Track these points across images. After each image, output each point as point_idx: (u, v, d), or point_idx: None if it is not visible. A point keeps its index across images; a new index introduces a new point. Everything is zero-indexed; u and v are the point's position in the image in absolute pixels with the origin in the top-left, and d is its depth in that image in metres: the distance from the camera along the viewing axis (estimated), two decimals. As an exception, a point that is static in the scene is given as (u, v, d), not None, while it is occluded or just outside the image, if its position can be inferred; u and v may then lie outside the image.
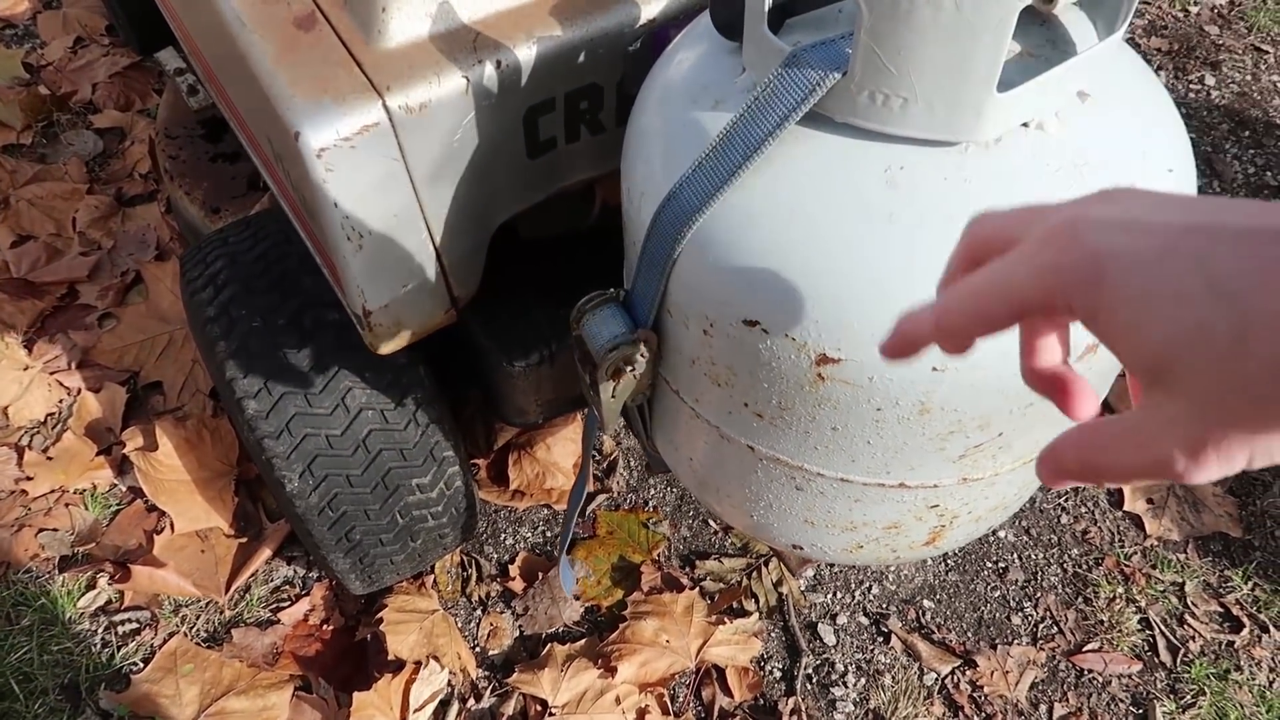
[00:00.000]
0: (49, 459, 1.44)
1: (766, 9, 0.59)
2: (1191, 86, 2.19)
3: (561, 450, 1.43)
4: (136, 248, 1.76)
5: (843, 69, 0.56)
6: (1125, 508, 1.45)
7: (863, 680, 1.28)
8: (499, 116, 0.81)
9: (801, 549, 0.81)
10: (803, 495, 0.73)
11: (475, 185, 0.84)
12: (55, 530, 1.38)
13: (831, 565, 1.37)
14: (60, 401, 1.52)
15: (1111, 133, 0.61)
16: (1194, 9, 2.40)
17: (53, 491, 1.41)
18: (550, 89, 0.83)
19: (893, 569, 1.37)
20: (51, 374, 1.55)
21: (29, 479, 1.42)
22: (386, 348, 0.90)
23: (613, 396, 0.74)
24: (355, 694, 1.16)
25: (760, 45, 0.61)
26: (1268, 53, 2.28)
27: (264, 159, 0.93)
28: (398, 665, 1.21)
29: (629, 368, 0.72)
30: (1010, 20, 0.50)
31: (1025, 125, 0.59)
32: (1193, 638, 1.32)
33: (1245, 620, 1.33)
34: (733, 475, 0.77)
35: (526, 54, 0.79)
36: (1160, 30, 2.34)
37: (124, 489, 1.43)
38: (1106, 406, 1.55)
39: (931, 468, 0.67)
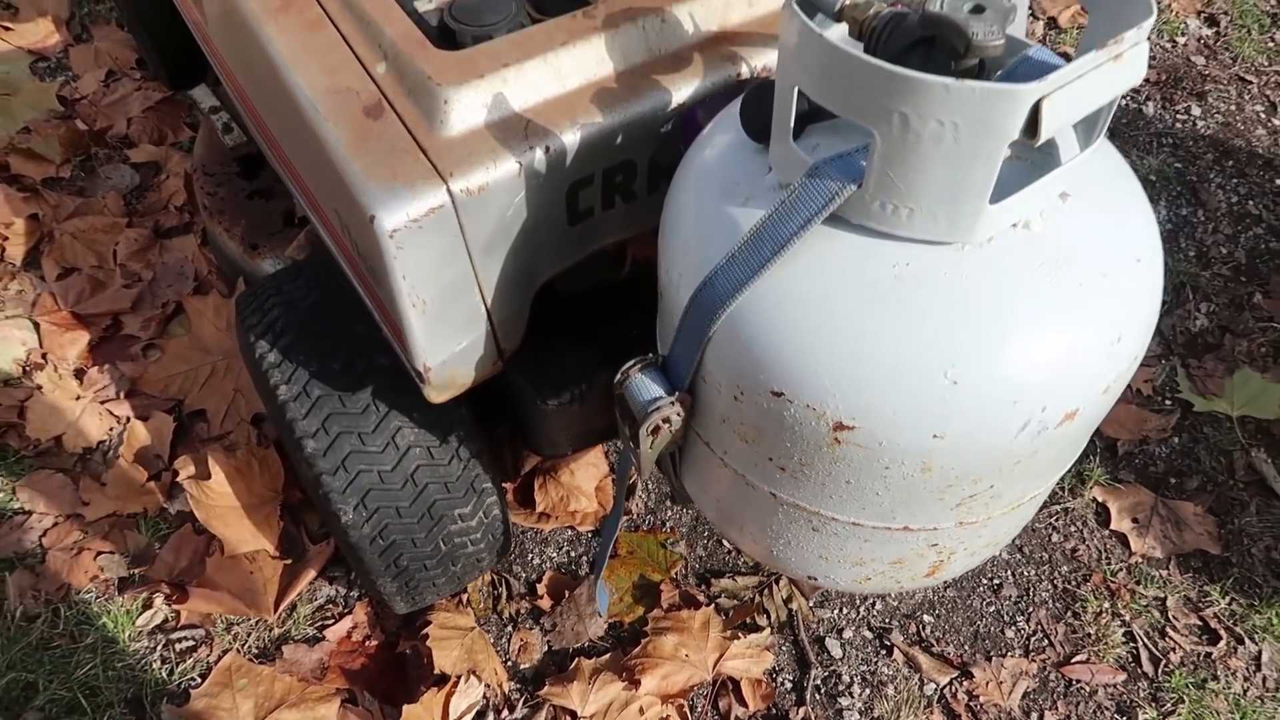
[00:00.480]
0: (103, 485, 1.54)
1: (791, 126, 0.69)
2: (1178, 116, 2.29)
3: (584, 475, 1.52)
4: (175, 279, 1.85)
5: (858, 181, 0.66)
6: (1112, 527, 1.55)
7: (867, 690, 1.38)
8: (545, 193, 0.91)
9: (815, 579, 0.91)
10: (818, 535, 0.83)
11: (522, 252, 0.94)
12: (112, 553, 1.47)
13: (838, 583, 1.47)
14: (111, 430, 1.62)
15: (1088, 228, 0.71)
16: (1181, 40, 2.49)
17: (108, 516, 1.50)
18: (590, 167, 0.93)
19: (895, 586, 1.47)
20: (102, 403, 1.64)
21: (85, 504, 1.51)
22: (441, 397, 0.99)
23: (650, 448, 0.84)
24: (405, 707, 1.25)
25: (786, 154, 0.70)
26: (1251, 82, 2.37)
27: (327, 225, 1.02)
28: (440, 678, 1.31)
29: (666, 424, 0.81)
30: (1000, 152, 0.60)
31: (1014, 225, 0.69)
32: (1173, 649, 1.42)
33: (1222, 633, 1.43)
34: (755, 516, 0.87)
35: (571, 138, 0.89)
36: (1149, 61, 2.43)
37: (173, 513, 1.52)
38: (1099, 434, 1.65)
39: (932, 514, 0.77)
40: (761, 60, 0.97)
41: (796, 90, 0.66)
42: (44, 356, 1.71)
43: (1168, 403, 1.72)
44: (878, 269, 0.67)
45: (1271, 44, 2.47)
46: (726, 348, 0.73)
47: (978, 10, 0.64)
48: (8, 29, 2.42)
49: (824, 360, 0.68)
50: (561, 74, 0.91)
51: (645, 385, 0.80)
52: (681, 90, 0.93)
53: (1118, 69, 0.60)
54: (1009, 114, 0.58)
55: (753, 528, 0.90)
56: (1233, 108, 2.31)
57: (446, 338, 0.94)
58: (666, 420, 0.81)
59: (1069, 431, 0.71)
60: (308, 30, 0.95)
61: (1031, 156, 0.73)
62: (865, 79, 0.59)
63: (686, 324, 0.75)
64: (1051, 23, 2.52)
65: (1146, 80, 2.37)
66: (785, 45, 0.65)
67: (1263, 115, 2.29)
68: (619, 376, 0.82)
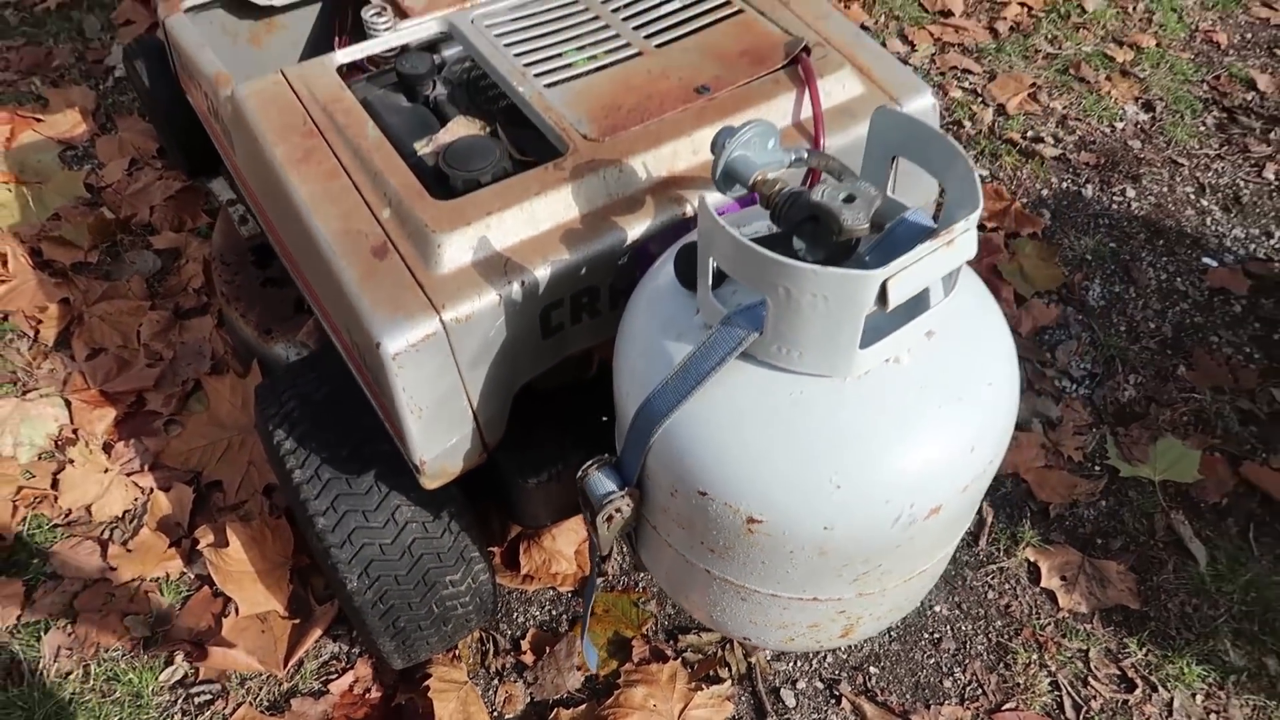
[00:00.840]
0: (129, 551, 1.70)
1: (710, 282, 0.87)
2: (1114, 198, 2.48)
3: (565, 540, 1.69)
4: (194, 358, 2.02)
5: (760, 329, 0.84)
6: (1042, 584, 1.71)
7: (818, 736, 1.53)
8: (522, 316, 1.09)
9: (750, 640, 1.07)
10: (746, 604, 1.00)
11: (502, 364, 1.12)
12: (138, 614, 1.63)
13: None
14: (136, 500, 1.78)
15: (948, 360, 0.89)
16: (1120, 125, 2.69)
17: (134, 580, 1.66)
18: (560, 293, 1.11)
19: (844, 640, 1.63)
20: (128, 475, 1.81)
21: (113, 569, 1.67)
22: (434, 485, 1.17)
23: (608, 531, 1.01)
24: (400, 754, 1.40)
25: (707, 303, 0.89)
26: (1183, 165, 2.57)
27: (338, 335, 1.21)
28: (432, 728, 1.46)
29: (619, 513, 0.98)
30: (860, 318, 0.78)
31: (887, 360, 0.87)
32: (1094, 697, 1.57)
33: (1139, 681, 1.59)
34: (696, 587, 1.03)
35: (543, 272, 1.08)
36: (1089, 145, 2.63)
37: (192, 576, 1.68)
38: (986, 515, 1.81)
39: (835, 587, 0.94)
40: (711, 198, 1.16)
41: (712, 259, 0.85)
42: (75, 432, 1.88)
43: (1097, 468, 1.89)
44: (778, 396, 0.85)
45: (1203, 128, 2.68)
46: (663, 454, 0.91)
47: (850, 199, 0.83)
48: (39, 120, 2.64)
49: (737, 468, 0.86)
50: (535, 219, 1.10)
51: (601, 481, 0.97)
52: (636, 228, 1.12)
53: (950, 251, 0.79)
54: (864, 291, 0.76)
55: (695, 596, 1.06)
56: (1165, 189, 2.50)
57: (439, 436, 1.11)
58: (619, 510, 0.98)
59: (937, 522, 0.89)
60: (325, 179, 1.15)
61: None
62: (758, 262, 0.78)
63: (633, 433, 0.93)
64: (1000, 109, 2.73)
65: (1086, 164, 2.58)
66: (703, 229, 0.84)
67: (1192, 196, 2.48)
68: (580, 473, 0.99)
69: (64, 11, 3.04)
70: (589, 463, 0.99)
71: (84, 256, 2.24)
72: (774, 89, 1.24)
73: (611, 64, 1.28)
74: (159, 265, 2.25)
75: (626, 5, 1.39)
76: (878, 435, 0.84)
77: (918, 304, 0.90)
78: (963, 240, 0.79)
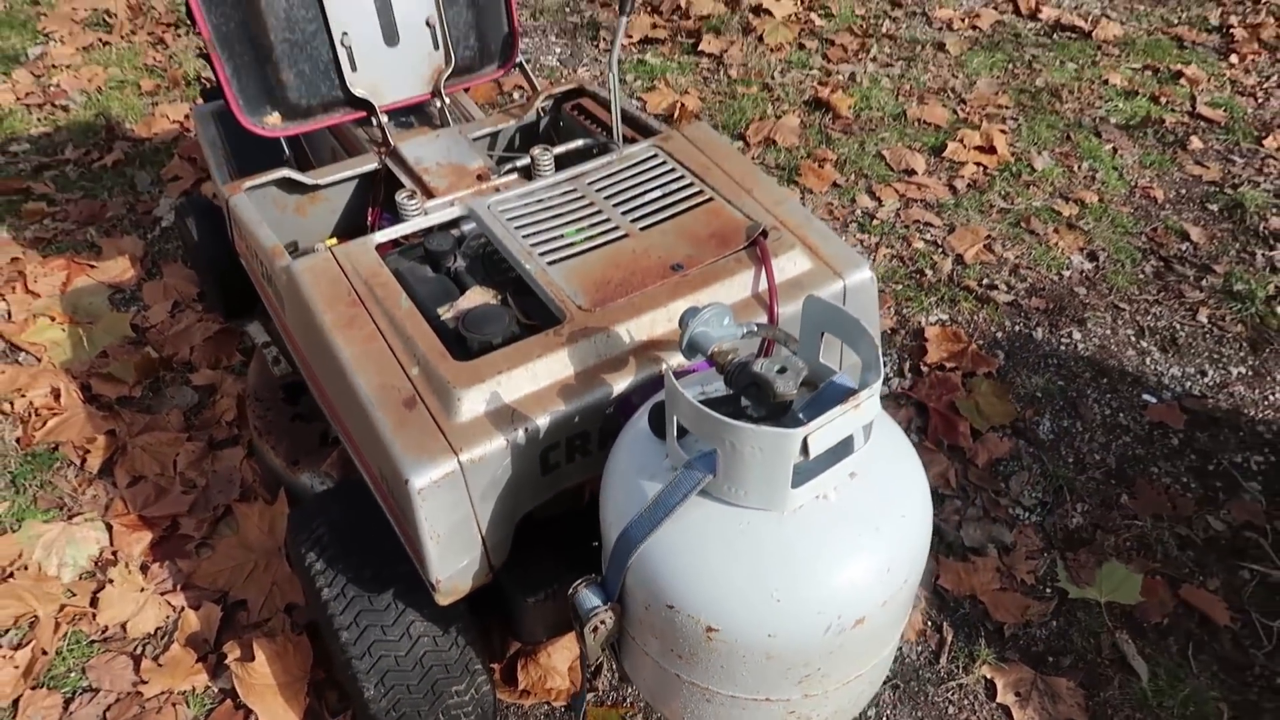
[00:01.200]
0: (159, 665, 1.85)
1: (675, 434, 1.10)
2: (1062, 340, 2.74)
3: (560, 657, 1.84)
4: (225, 486, 2.23)
5: (714, 473, 1.06)
6: (998, 700, 1.85)
7: (791, 845, 1.64)
8: (525, 457, 1.31)
9: (717, 739, 1.24)
10: (711, 705, 1.17)
11: (507, 496, 1.33)
12: (166, 725, 1.77)
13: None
14: (167, 617, 1.95)
15: (868, 496, 1.10)
16: (1066, 273, 2.97)
17: (163, 693, 1.81)
18: (557, 437, 1.33)
19: (815, 752, 1.76)
20: (161, 594, 1.98)
21: (144, 682, 1.82)
22: (447, 601, 1.35)
23: (594, 640, 1.19)
24: None
25: (673, 450, 1.11)
26: (1124, 309, 2.83)
27: (368, 470, 1.42)
28: (433, 833, 1.58)
29: (603, 625, 1.17)
30: (789, 465, 1.00)
31: (817, 497, 1.08)
32: (1046, 807, 1.69)
33: (1088, 792, 1.71)
34: (670, 692, 1.21)
35: (543, 421, 1.30)
36: (1039, 292, 2.90)
37: (216, 690, 1.83)
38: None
39: (783, 688, 1.12)
40: (678, 359, 1.40)
41: (676, 417, 1.07)
42: (115, 553, 2.06)
43: (1048, 591, 2.06)
44: (729, 527, 1.06)
45: (1142, 276, 2.96)
46: (639, 574, 1.11)
47: (782, 371, 1.06)
48: (93, 266, 2.93)
49: (698, 585, 1.06)
50: (537, 376, 1.33)
51: (588, 596, 1.17)
52: (620, 384, 1.36)
53: (857, 413, 1.01)
54: (789, 445, 0.98)
55: (671, 701, 1.24)
56: (1108, 332, 2.76)
57: (453, 559, 1.31)
58: (603, 621, 1.17)
59: (864, 632, 1.08)
60: (365, 342, 1.39)
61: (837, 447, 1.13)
62: (708, 421, 1.00)
63: (614, 555, 1.13)
64: (959, 259, 3.02)
65: (1036, 309, 2.84)
66: (668, 394, 1.07)
67: (1133, 338, 2.73)
68: (571, 590, 1.19)
69: (119, 168, 3.40)
70: (578, 581, 1.19)
71: (129, 391, 2.47)
72: (736, 266, 1.50)
73: (603, 244, 1.55)
74: (196, 400, 2.47)
75: (616, 193, 1.67)
76: (810, 558, 1.05)
77: (844, 449, 1.12)
78: (868, 404, 1.02)
